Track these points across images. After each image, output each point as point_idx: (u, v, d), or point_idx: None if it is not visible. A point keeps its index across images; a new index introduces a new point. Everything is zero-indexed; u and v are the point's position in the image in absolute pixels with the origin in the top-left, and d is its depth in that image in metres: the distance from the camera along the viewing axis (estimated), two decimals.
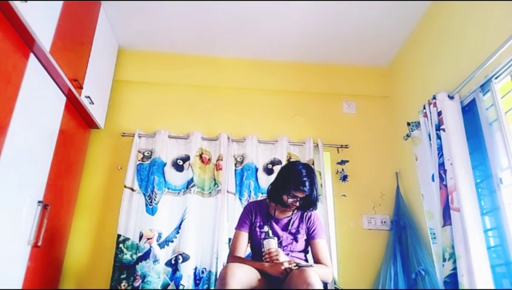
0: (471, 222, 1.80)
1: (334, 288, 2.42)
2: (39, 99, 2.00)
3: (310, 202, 1.85)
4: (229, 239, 2.43)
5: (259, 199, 2.64)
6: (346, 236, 2.71)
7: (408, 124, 2.53)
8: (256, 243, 1.91)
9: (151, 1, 2.59)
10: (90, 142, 2.78)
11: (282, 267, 1.66)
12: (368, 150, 2.97)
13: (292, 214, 1.94)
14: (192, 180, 2.68)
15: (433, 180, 2.10)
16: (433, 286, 2.19)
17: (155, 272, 2.39)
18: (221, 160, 2.72)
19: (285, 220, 1.93)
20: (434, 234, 2.10)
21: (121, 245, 2.44)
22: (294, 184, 1.80)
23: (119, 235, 2.46)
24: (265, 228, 1.87)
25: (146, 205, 2.56)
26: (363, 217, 2.77)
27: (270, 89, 3.11)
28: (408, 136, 2.55)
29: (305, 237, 1.91)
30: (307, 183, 1.80)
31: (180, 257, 2.45)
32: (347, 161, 2.88)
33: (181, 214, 2.58)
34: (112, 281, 2.36)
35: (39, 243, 1.97)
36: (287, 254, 1.83)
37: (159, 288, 2.37)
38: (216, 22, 2.79)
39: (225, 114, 2.99)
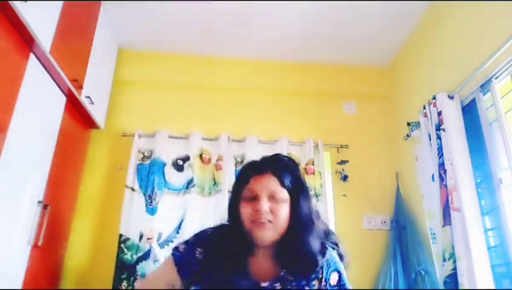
0: (471, 222, 1.81)
1: None
2: (39, 99, 2.00)
3: None
4: None
5: None
6: (346, 236, 2.69)
7: (408, 124, 2.53)
8: None
9: (151, 1, 2.59)
10: (90, 142, 2.77)
11: None
12: (368, 150, 2.96)
13: None
14: (192, 180, 2.67)
15: (433, 180, 2.10)
16: (433, 286, 2.19)
17: None
18: (221, 160, 2.72)
19: None
20: (434, 234, 2.10)
21: (122, 245, 2.44)
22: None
23: (121, 235, 2.46)
24: None
25: (146, 205, 2.56)
26: (363, 217, 2.77)
27: (270, 89, 3.11)
28: (408, 136, 2.55)
29: None
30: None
31: None
32: (347, 161, 2.88)
33: (181, 214, 2.57)
34: (114, 281, 2.36)
35: (39, 243, 1.97)
36: None
37: None
38: (216, 22, 2.78)
39: (225, 114, 2.98)
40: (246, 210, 1.05)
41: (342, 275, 1.12)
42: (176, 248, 1.11)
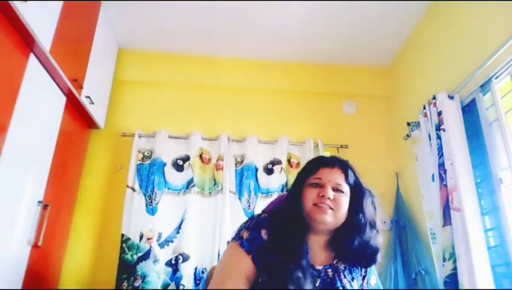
0: (471, 222, 1.81)
1: None
2: (39, 99, 2.00)
3: None
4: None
5: (258, 198, 2.66)
6: None
7: (408, 124, 2.53)
8: None
9: (151, 1, 2.59)
10: (90, 142, 2.77)
11: None
12: (368, 150, 2.96)
13: None
14: (192, 180, 2.67)
15: (433, 180, 2.10)
16: (433, 286, 2.19)
17: (155, 272, 2.39)
18: (221, 160, 2.72)
19: None
20: (434, 234, 2.10)
21: (123, 245, 2.44)
22: None
23: (122, 235, 2.46)
24: None
25: (146, 205, 2.56)
26: None
27: (270, 89, 3.11)
28: (408, 136, 2.55)
29: None
30: None
31: (180, 257, 2.45)
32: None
33: (181, 214, 2.57)
34: (117, 281, 2.36)
35: (39, 243, 1.97)
36: None
37: (159, 288, 2.36)
38: (216, 22, 2.78)
39: (225, 114, 2.98)
40: (310, 194, 1.13)
41: (377, 278, 1.25)
42: (239, 237, 1.11)
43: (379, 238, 1.17)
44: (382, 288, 1.25)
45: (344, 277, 1.12)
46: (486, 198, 1.96)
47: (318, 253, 1.14)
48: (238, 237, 1.12)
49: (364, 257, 1.14)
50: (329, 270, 1.12)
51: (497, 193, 1.84)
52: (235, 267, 1.05)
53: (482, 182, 2.00)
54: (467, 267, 1.76)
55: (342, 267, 1.14)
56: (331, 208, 1.11)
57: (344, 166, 1.19)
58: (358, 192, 1.18)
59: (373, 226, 1.17)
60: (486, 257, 1.76)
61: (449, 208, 1.92)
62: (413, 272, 2.35)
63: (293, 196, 1.18)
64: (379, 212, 1.46)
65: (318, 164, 1.20)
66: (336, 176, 1.15)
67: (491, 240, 1.92)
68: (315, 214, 1.10)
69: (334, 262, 1.15)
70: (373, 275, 1.22)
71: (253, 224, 1.13)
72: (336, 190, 1.13)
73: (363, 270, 1.19)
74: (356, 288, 1.14)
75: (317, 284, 1.09)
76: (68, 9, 2.08)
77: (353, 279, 1.14)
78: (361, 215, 1.15)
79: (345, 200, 1.13)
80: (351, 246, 1.12)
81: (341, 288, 1.10)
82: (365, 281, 1.18)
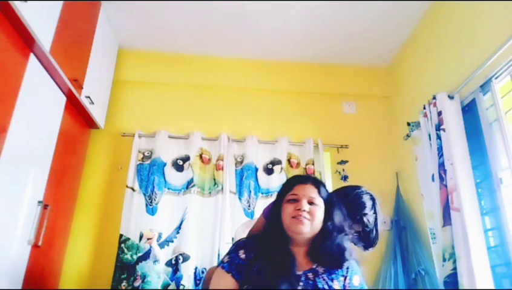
0: (471, 222, 1.81)
1: None
2: (39, 99, 2.00)
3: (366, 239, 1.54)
4: (232, 239, 2.44)
5: (258, 198, 2.66)
6: None
7: (408, 124, 2.52)
8: None
9: (151, 1, 2.59)
10: (90, 142, 2.77)
11: None
12: (368, 150, 2.96)
13: None
14: (192, 180, 2.67)
15: (433, 180, 2.10)
16: (432, 286, 2.19)
17: (155, 272, 2.39)
18: (221, 160, 2.72)
19: None
20: (434, 234, 2.10)
21: (122, 245, 2.44)
22: (357, 215, 1.52)
23: (121, 235, 2.46)
24: None
25: (146, 205, 2.56)
26: None
27: (270, 89, 3.11)
28: (408, 136, 2.55)
29: None
30: (371, 219, 1.54)
31: (180, 257, 2.45)
32: (347, 161, 2.88)
33: (181, 214, 2.57)
34: (114, 281, 2.36)
35: (39, 243, 1.97)
36: None
37: (159, 288, 2.37)
38: (216, 22, 2.78)
39: (225, 114, 2.98)
40: (287, 209, 1.27)
41: (362, 278, 1.33)
42: (221, 262, 1.28)
43: (348, 240, 1.31)
44: (366, 288, 1.32)
45: (323, 278, 1.23)
46: (486, 198, 1.96)
47: (300, 262, 1.25)
48: (220, 262, 1.28)
49: (334, 256, 1.25)
50: (309, 274, 1.23)
51: (497, 193, 1.84)
52: (218, 285, 1.23)
53: (482, 182, 2.00)
54: (467, 268, 1.76)
55: (321, 270, 1.25)
56: (308, 219, 1.24)
57: (316, 182, 1.33)
58: (331, 204, 1.31)
59: (341, 230, 1.29)
60: (486, 257, 1.76)
61: (449, 208, 1.92)
62: (413, 272, 2.35)
63: (273, 214, 1.32)
64: (380, 216, 1.55)
65: (293, 182, 1.34)
66: (310, 191, 1.28)
67: (491, 240, 1.92)
68: (293, 225, 1.23)
69: (314, 266, 1.26)
70: (356, 276, 1.29)
71: (232, 248, 1.30)
72: (311, 203, 1.26)
73: (344, 271, 1.27)
74: (337, 287, 1.22)
75: (299, 288, 1.19)
76: (68, 9, 2.08)
77: (332, 280, 1.24)
78: (329, 223, 1.27)
79: (319, 212, 1.27)
80: (321, 247, 1.25)
81: (321, 288, 1.20)
82: (347, 281, 1.26)
